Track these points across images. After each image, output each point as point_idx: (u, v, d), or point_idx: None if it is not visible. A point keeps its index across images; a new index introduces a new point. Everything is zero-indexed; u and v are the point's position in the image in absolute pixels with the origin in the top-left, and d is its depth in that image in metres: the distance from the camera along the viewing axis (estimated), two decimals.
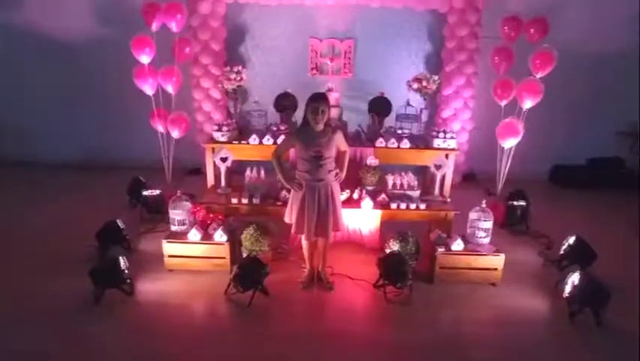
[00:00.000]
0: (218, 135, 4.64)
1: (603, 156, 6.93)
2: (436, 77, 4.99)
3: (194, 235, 3.87)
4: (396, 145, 4.57)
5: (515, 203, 5.13)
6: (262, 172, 4.55)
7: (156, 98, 5.29)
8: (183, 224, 4.02)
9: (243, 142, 4.62)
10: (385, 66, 6.47)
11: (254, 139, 4.56)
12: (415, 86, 5.00)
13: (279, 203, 4.28)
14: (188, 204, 4.09)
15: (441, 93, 6.19)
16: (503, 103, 5.35)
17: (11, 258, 4.08)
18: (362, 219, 4.39)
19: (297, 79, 6.10)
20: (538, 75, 4.97)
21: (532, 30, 5.07)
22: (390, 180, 4.57)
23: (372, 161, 4.49)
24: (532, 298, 3.68)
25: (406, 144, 4.58)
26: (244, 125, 5.11)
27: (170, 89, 5.27)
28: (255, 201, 4.31)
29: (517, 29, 5.19)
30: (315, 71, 6.39)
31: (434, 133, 4.67)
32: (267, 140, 4.53)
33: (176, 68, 5.23)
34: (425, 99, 5.17)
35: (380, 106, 5.02)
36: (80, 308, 3.29)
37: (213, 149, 4.62)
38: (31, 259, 4.03)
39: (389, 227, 4.29)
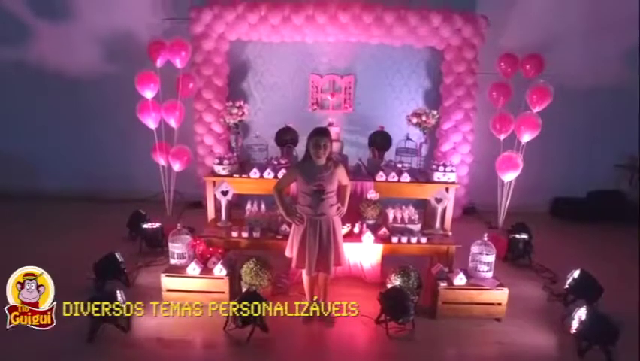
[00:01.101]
0: (219, 169, 4.67)
1: (603, 188, 6.93)
2: (435, 112, 5.06)
3: (193, 268, 3.83)
4: (396, 179, 4.59)
5: (517, 236, 5.10)
6: (263, 206, 4.55)
7: (159, 131, 5.35)
8: (183, 258, 3.98)
9: (243, 176, 4.64)
10: (385, 101, 6.60)
11: (255, 173, 4.58)
12: (415, 120, 5.07)
13: (280, 237, 4.26)
14: (188, 238, 4.06)
15: (440, 127, 6.27)
16: (502, 137, 5.40)
17: None
18: (363, 253, 4.35)
19: (298, 114, 6.24)
20: (536, 110, 5.04)
21: (527, 66, 5.19)
22: (390, 213, 4.57)
23: (372, 195, 4.50)
24: (538, 334, 3.60)
25: (406, 177, 4.60)
26: (245, 160, 5.15)
27: (172, 122, 5.34)
28: (256, 235, 4.29)
29: (513, 66, 5.32)
30: (315, 106, 6.50)
31: (434, 167, 4.69)
32: (268, 174, 4.55)
33: (179, 102, 5.32)
34: (425, 133, 5.23)
35: (380, 140, 5.08)
36: (74, 344, 3.21)
37: (214, 182, 4.63)
38: None
39: (390, 261, 4.25)
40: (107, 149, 6.86)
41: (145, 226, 5.09)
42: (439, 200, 4.45)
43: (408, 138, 5.06)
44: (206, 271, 3.88)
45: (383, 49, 6.38)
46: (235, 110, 5.02)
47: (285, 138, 5.04)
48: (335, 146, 4.81)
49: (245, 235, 4.28)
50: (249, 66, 6.56)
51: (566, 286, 4.06)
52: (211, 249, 4.12)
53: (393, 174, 4.62)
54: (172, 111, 5.29)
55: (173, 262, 3.98)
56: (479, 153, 6.38)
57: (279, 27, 5.84)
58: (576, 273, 4.03)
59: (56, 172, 7.00)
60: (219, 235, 4.36)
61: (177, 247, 3.96)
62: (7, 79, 6.67)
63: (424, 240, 4.25)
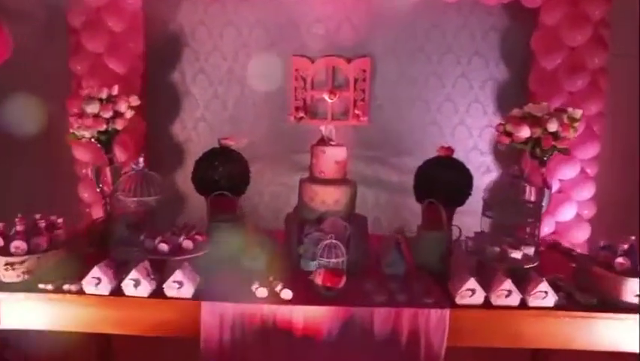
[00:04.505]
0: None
1: None
2: (578, 112, 2.11)
3: None
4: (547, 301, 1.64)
5: None
6: None
7: None
8: None
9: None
10: (427, 104, 3.69)
11: (95, 282, 1.74)
12: (524, 133, 2.11)
13: None
14: None
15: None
16: None
17: None
18: None
19: (271, 126, 3.67)
20: None
21: None
22: None
23: None
24: None
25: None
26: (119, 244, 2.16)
27: None
28: None
29: None
30: (301, 113, 3.61)
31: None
32: (144, 288, 1.64)
33: None
34: (544, 161, 2.25)
35: (449, 180, 2.12)
36: None
37: None
38: None
39: None
40: None
41: None
42: None
43: (515, 174, 2.07)
44: None
45: (422, 10, 3.51)
46: (93, 109, 2.06)
47: (213, 175, 2.08)
48: (337, 195, 1.95)
49: None
50: (183, 41, 3.68)
51: None
52: None
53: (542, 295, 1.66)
54: None
55: None
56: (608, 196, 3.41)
57: None
58: None
59: None
60: None
61: None
62: None
63: None
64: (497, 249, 1.91)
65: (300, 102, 3.62)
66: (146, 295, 1.79)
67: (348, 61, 3.57)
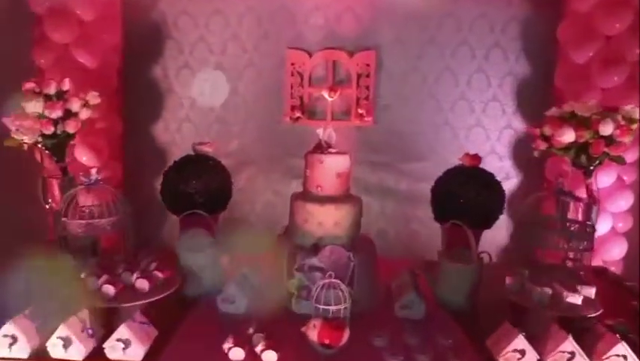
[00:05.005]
0: None
1: None
2: (636, 111, 1.70)
3: None
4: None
5: None
6: None
7: None
8: None
9: None
10: (439, 104, 3.32)
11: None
12: (568, 137, 1.70)
13: None
14: None
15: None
16: None
17: None
18: None
19: (263, 128, 3.35)
20: None
21: None
22: None
23: None
24: None
25: None
26: None
27: None
28: None
29: None
30: (297, 114, 3.27)
31: None
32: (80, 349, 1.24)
33: None
34: (590, 172, 1.86)
35: (474, 199, 1.69)
36: None
37: None
38: None
39: None
40: None
41: None
42: None
43: (562, 190, 1.66)
44: None
45: None
46: (35, 107, 1.66)
47: (185, 189, 1.67)
48: (341, 215, 1.50)
49: None
50: (165, 31, 3.31)
51: None
52: None
53: None
54: None
55: None
56: None
57: None
58: None
59: None
60: None
61: None
62: None
63: None
64: (548, 291, 1.49)
65: (296, 101, 3.27)
66: (80, 358, 1.35)
67: (351, 54, 3.22)
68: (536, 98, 3.20)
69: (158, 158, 3.37)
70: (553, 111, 1.96)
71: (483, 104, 3.29)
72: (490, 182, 1.79)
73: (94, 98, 1.98)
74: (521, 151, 3.23)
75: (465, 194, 1.70)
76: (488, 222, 1.76)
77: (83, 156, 2.89)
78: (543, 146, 1.90)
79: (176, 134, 3.38)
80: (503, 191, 1.82)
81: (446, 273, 1.67)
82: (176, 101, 3.36)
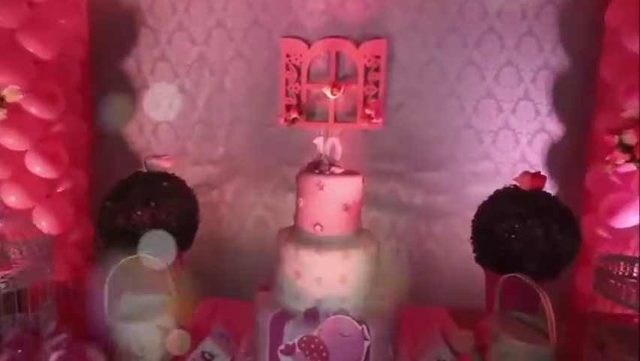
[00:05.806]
0: None
1: None
2: None
3: None
4: None
5: None
6: None
7: None
8: None
9: None
10: (462, 102, 3.00)
11: None
12: None
13: None
14: None
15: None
16: None
17: None
18: None
19: (254, 132, 3.07)
20: None
21: None
22: None
23: None
24: None
25: None
26: None
27: None
28: None
29: None
30: (293, 115, 2.95)
31: None
32: None
33: None
34: None
35: (538, 235, 1.19)
36: None
37: None
38: None
39: None
40: None
41: None
42: None
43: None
44: None
45: None
46: None
47: (129, 222, 1.18)
48: (350, 266, 1.01)
49: None
50: (138, 18, 3.00)
51: None
52: None
53: None
54: None
55: None
56: None
57: None
58: None
59: None
60: None
61: None
62: None
63: None
64: None
65: (292, 99, 2.98)
66: None
67: (357, 44, 2.90)
68: (576, 96, 2.87)
69: (131, 166, 2.95)
70: (629, 112, 1.48)
71: (513, 103, 2.96)
72: (562, 213, 1.29)
73: (12, 93, 1.50)
74: (557, 159, 2.90)
75: (527, 231, 1.21)
76: (559, 270, 1.26)
77: (36, 166, 2.44)
78: (623, 158, 1.42)
79: (152, 138, 3.07)
80: (578, 227, 1.33)
81: (508, 355, 1.17)
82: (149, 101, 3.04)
